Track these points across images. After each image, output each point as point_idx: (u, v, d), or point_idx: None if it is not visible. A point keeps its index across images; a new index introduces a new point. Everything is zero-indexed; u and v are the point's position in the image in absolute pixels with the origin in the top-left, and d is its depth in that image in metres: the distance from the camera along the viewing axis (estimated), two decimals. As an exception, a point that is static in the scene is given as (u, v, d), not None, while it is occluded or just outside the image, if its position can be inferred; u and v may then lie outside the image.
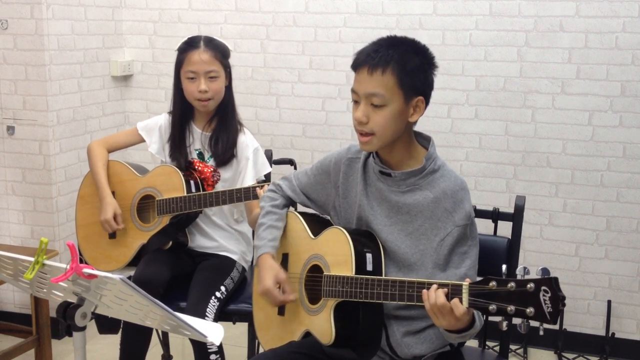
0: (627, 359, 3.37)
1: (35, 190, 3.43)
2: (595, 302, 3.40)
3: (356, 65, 1.83)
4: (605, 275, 3.37)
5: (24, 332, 3.28)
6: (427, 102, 1.84)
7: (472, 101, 3.42)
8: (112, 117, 3.83)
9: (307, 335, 1.96)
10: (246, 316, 2.48)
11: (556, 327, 3.42)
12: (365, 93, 1.79)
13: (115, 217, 2.57)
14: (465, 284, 1.61)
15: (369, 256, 1.84)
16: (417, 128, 1.92)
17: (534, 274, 1.54)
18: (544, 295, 1.49)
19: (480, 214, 2.23)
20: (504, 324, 1.58)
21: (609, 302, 3.36)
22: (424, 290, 1.66)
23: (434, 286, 1.64)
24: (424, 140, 1.91)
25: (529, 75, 3.33)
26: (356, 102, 1.83)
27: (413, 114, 1.81)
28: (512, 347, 3.40)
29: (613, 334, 3.38)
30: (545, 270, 1.53)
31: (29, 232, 3.48)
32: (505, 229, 2.22)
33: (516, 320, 1.56)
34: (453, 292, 1.62)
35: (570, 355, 3.42)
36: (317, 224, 2.05)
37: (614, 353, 3.37)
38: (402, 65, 1.76)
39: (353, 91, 1.83)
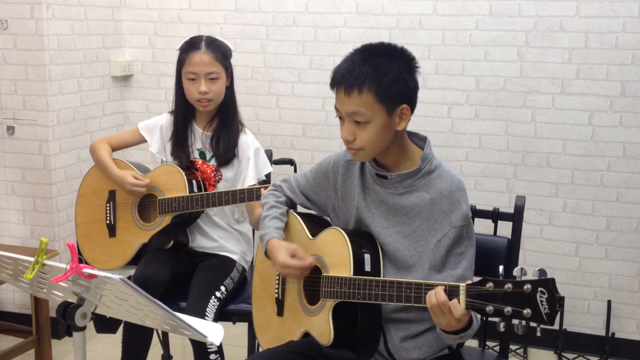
0: (627, 359, 3.37)
1: (35, 190, 3.43)
2: (595, 302, 3.40)
3: (333, 85, 1.82)
4: (605, 275, 3.37)
5: (24, 332, 3.28)
6: (413, 106, 1.82)
7: (472, 101, 3.42)
8: (112, 117, 3.84)
9: (306, 335, 1.96)
10: (246, 316, 2.48)
11: (556, 327, 3.42)
12: (346, 112, 1.79)
13: (136, 178, 2.57)
14: (463, 285, 1.61)
15: (367, 257, 1.84)
16: (416, 128, 1.92)
17: (531, 275, 1.54)
18: (541, 296, 1.49)
19: (480, 214, 2.23)
20: (502, 324, 1.58)
21: (609, 302, 3.36)
22: (429, 292, 1.66)
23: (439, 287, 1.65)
24: (420, 141, 1.90)
25: (529, 75, 3.33)
26: (341, 119, 1.83)
27: (400, 123, 1.80)
28: (512, 347, 3.40)
29: (613, 334, 3.38)
30: (542, 271, 1.53)
31: (29, 232, 3.49)
32: (505, 229, 2.22)
33: (514, 321, 1.56)
34: (450, 293, 1.62)
35: (570, 355, 3.42)
36: (316, 225, 2.05)
37: (614, 353, 3.37)
38: (379, 81, 1.74)
39: (336, 109, 1.83)
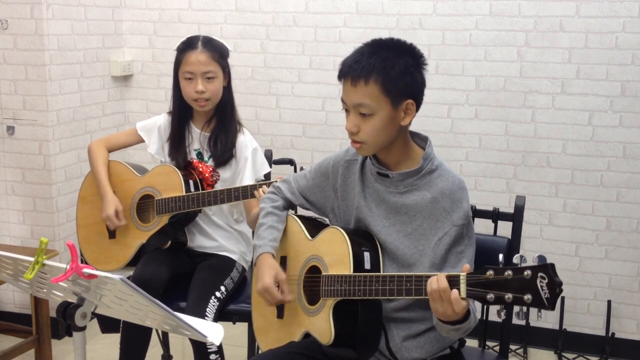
0: (627, 359, 3.37)
1: (35, 190, 3.43)
2: (595, 302, 3.40)
3: (340, 76, 1.83)
4: (605, 275, 3.37)
5: (24, 332, 3.28)
6: (419, 102, 1.82)
7: (472, 101, 3.42)
8: (112, 117, 3.83)
9: (307, 336, 1.96)
10: (246, 316, 2.48)
11: (556, 327, 3.42)
12: (352, 104, 1.80)
13: (117, 214, 2.58)
14: (463, 274, 1.61)
15: (366, 255, 1.84)
16: (416, 128, 1.91)
17: (531, 262, 1.55)
18: (541, 281, 1.50)
19: (480, 214, 2.23)
20: (502, 312, 1.58)
21: (609, 302, 3.36)
22: (431, 277, 1.65)
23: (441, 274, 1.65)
24: (421, 141, 1.90)
25: (529, 75, 3.33)
26: (347, 111, 1.84)
27: (404, 118, 1.80)
28: (512, 347, 3.40)
29: (613, 334, 3.38)
30: (541, 258, 1.54)
31: (29, 232, 3.49)
32: (505, 229, 2.22)
33: (515, 308, 1.56)
34: (451, 283, 1.62)
35: (570, 355, 3.42)
36: (315, 227, 2.05)
37: (614, 353, 3.37)
38: (385, 72, 1.74)
39: (342, 100, 1.84)
